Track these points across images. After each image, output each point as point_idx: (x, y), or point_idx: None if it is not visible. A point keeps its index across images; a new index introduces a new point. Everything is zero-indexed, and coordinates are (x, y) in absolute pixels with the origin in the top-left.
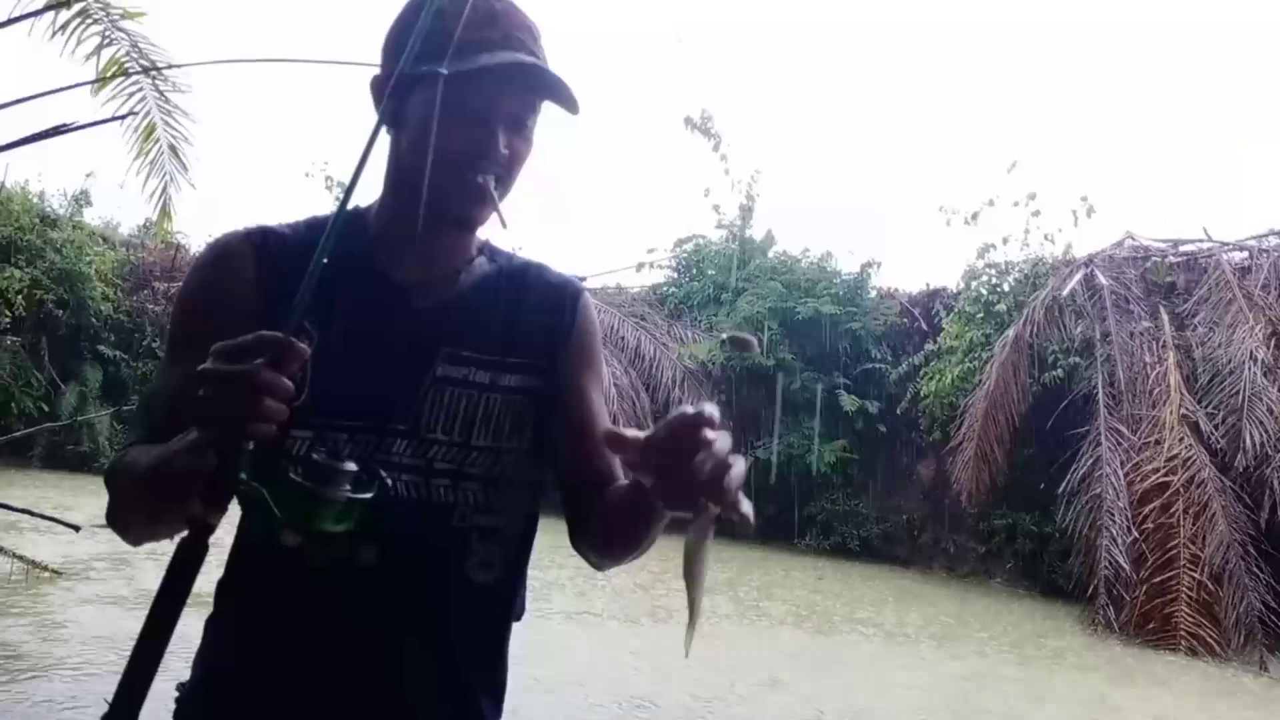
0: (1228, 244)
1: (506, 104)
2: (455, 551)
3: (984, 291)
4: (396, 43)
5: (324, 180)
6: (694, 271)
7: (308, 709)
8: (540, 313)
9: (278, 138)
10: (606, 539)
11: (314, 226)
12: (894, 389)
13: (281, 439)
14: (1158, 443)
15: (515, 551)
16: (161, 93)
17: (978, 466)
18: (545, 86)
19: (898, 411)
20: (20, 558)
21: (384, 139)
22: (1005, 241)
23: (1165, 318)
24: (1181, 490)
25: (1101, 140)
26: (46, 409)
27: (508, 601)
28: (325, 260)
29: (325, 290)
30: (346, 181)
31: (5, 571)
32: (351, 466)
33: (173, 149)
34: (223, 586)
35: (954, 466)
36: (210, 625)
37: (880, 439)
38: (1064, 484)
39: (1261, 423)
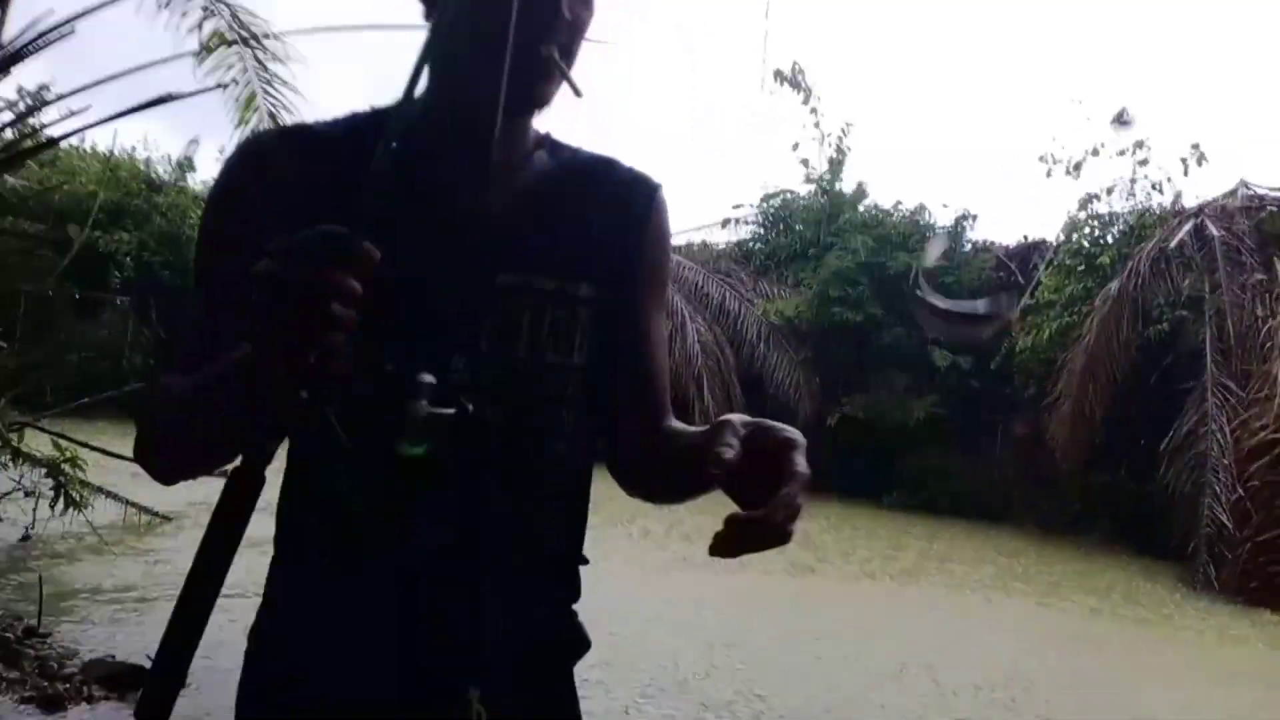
0: None
1: None
2: (530, 479)
3: (1086, 244)
4: None
5: None
6: (780, 227)
7: (390, 652)
8: (610, 211)
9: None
10: (652, 486)
11: (354, 126)
12: (988, 344)
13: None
14: (1268, 399)
15: (581, 483)
16: (261, 62)
17: (1075, 423)
18: None
19: (991, 367)
20: (135, 504)
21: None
22: (1110, 192)
23: (1279, 269)
24: None
25: (1214, 85)
26: (155, 365)
27: (580, 531)
28: (383, 159)
29: (369, 198)
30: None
31: (119, 518)
32: (429, 378)
33: (272, 117)
34: (282, 529)
35: (1050, 423)
36: (274, 573)
37: (972, 395)
38: (1166, 441)
39: None
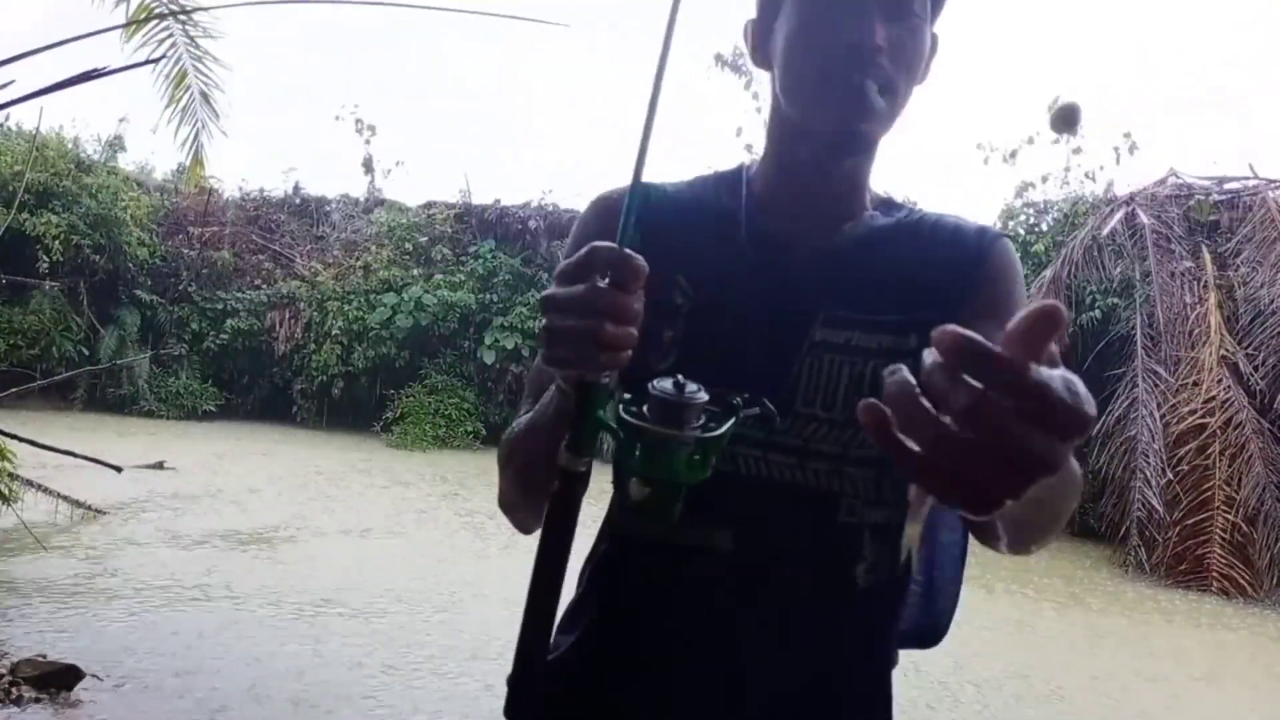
0: (1273, 181)
1: None
2: (843, 551)
3: (1021, 231)
4: None
5: (354, 124)
6: None
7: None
8: (942, 262)
9: (309, 80)
10: (1005, 530)
11: (696, 185)
12: None
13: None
14: (1196, 384)
15: (899, 555)
16: (192, 38)
17: None
18: None
19: None
20: (65, 498)
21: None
22: (1045, 180)
23: (1207, 257)
24: (1218, 432)
25: (1146, 76)
26: (86, 353)
27: (894, 614)
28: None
29: (696, 246)
30: (377, 125)
31: (50, 511)
32: (702, 396)
33: (204, 96)
34: (587, 564)
35: None
36: (573, 605)
37: None
38: (1098, 426)
39: None
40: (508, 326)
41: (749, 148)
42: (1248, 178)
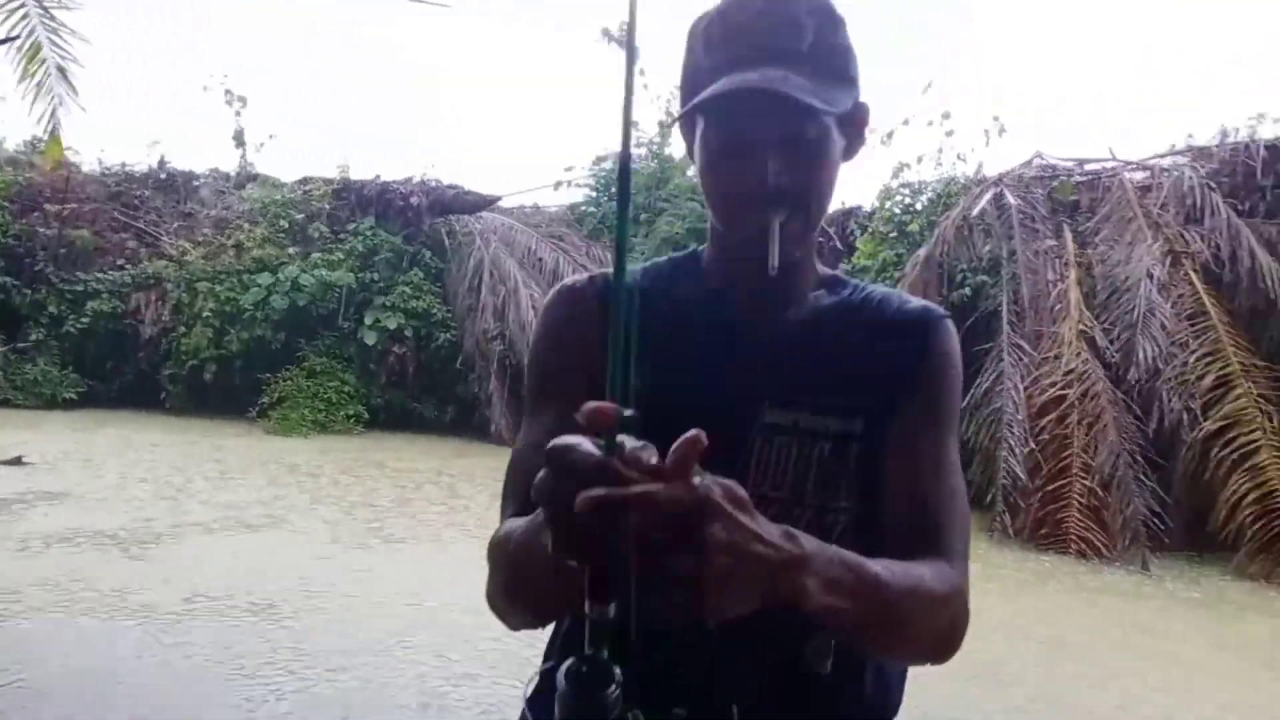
0: (1130, 163)
1: (763, 130)
2: (795, 629)
3: (897, 211)
4: (681, 74)
5: (224, 95)
6: (612, 190)
7: None
8: (885, 352)
9: (174, 48)
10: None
11: (650, 273)
12: None
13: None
14: (1056, 357)
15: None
16: (46, 9)
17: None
18: (788, 109)
19: None
20: None
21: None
22: (920, 161)
23: (1069, 236)
24: (1077, 402)
25: (1016, 59)
26: None
27: (858, 695)
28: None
29: (655, 334)
30: (248, 97)
31: None
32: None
33: (61, 71)
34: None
35: None
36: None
37: None
38: (967, 398)
39: (1154, 338)
40: (390, 306)
41: (636, 125)
42: (1106, 160)
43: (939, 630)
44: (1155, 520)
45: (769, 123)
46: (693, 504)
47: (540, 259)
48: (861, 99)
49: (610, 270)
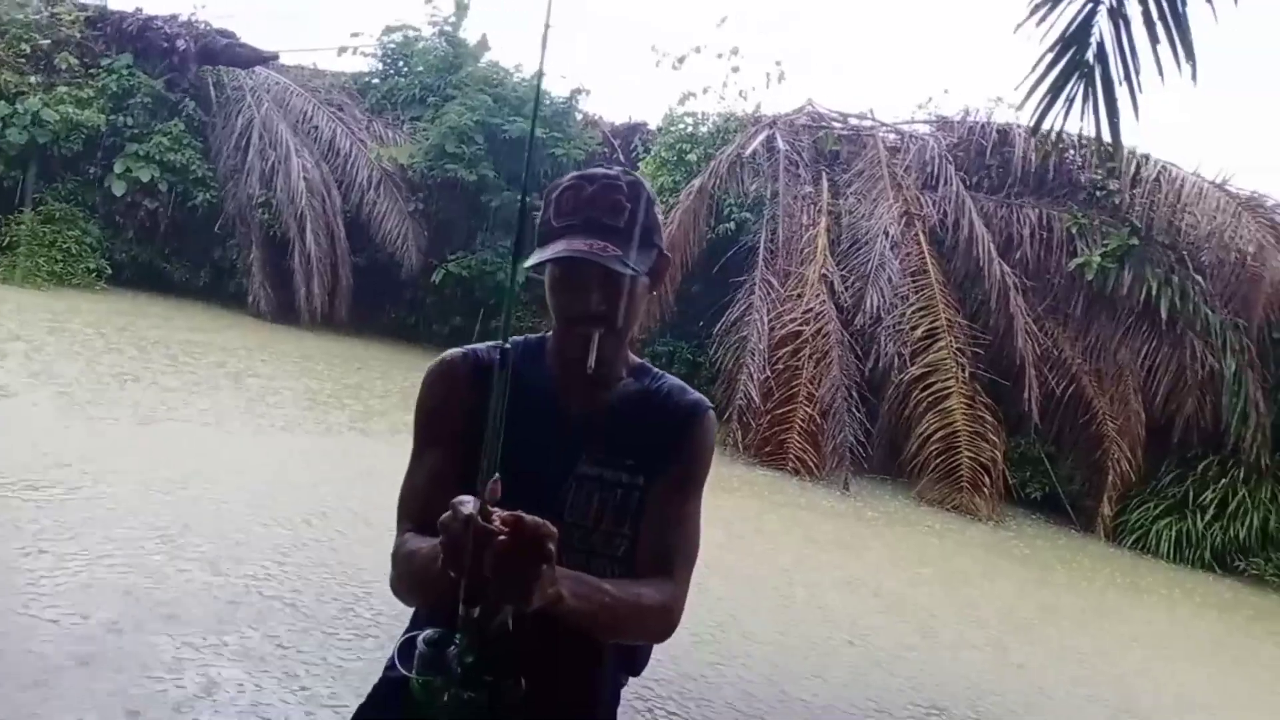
0: (885, 124)
1: (589, 277)
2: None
3: (680, 138)
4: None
5: None
6: (401, 66)
7: None
8: (662, 428)
9: None
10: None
11: (518, 348)
12: None
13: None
14: (799, 296)
15: None
16: None
17: (651, 300)
18: (606, 272)
19: None
20: None
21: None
22: (705, 91)
23: (825, 185)
24: (810, 339)
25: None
26: None
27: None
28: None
29: (510, 407)
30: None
31: None
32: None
33: None
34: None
35: None
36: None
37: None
38: (719, 324)
39: (882, 290)
40: (144, 156)
41: (430, 0)
42: (866, 118)
43: (652, 626)
44: (860, 448)
45: (593, 272)
46: (523, 543)
47: (316, 126)
48: (664, 250)
49: (475, 349)
